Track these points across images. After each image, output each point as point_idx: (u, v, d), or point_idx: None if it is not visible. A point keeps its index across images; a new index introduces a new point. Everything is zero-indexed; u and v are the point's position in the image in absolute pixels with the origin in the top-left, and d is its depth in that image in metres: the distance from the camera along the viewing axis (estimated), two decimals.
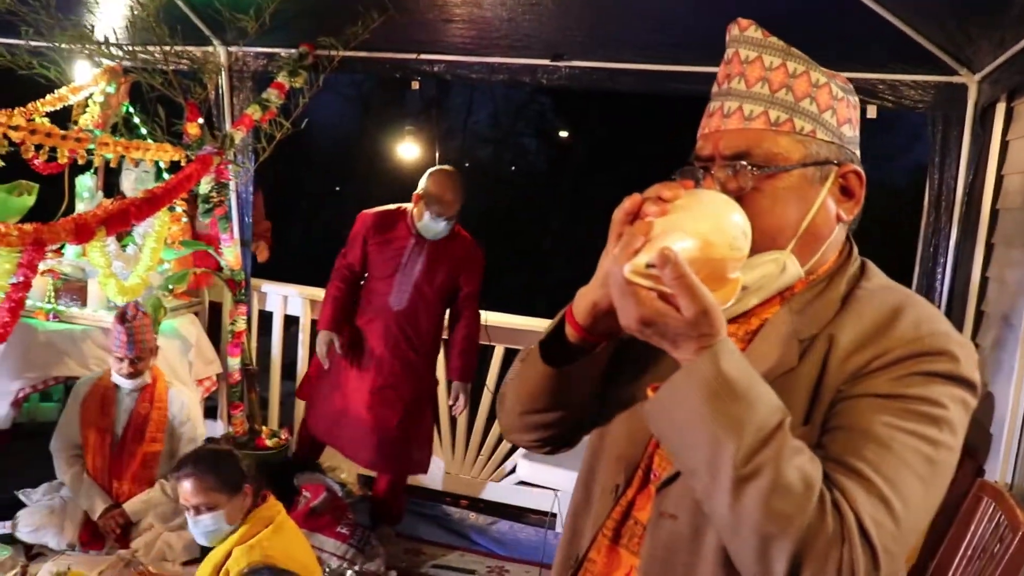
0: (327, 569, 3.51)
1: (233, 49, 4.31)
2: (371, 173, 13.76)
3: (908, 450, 0.98)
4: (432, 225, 3.67)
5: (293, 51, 4.17)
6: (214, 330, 4.75)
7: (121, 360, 3.57)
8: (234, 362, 4.51)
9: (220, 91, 4.39)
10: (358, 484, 4.53)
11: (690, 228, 0.98)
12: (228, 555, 2.74)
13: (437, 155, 4.75)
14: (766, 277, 1.11)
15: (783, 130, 1.11)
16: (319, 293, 4.68)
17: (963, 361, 1.03)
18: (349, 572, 3.54)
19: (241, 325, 4.48)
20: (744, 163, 1.11)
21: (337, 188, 15.96)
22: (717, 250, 0.99)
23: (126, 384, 3.64)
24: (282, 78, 4.11)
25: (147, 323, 3.62)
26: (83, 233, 2.78)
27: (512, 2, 3.49)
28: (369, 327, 3.85)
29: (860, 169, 1.16)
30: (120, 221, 2.95)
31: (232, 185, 4.35)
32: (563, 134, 17.37)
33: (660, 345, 1.01)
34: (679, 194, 1.02)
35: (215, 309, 4.84)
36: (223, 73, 4.35)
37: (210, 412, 4.87)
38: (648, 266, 0.96)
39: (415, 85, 4.27)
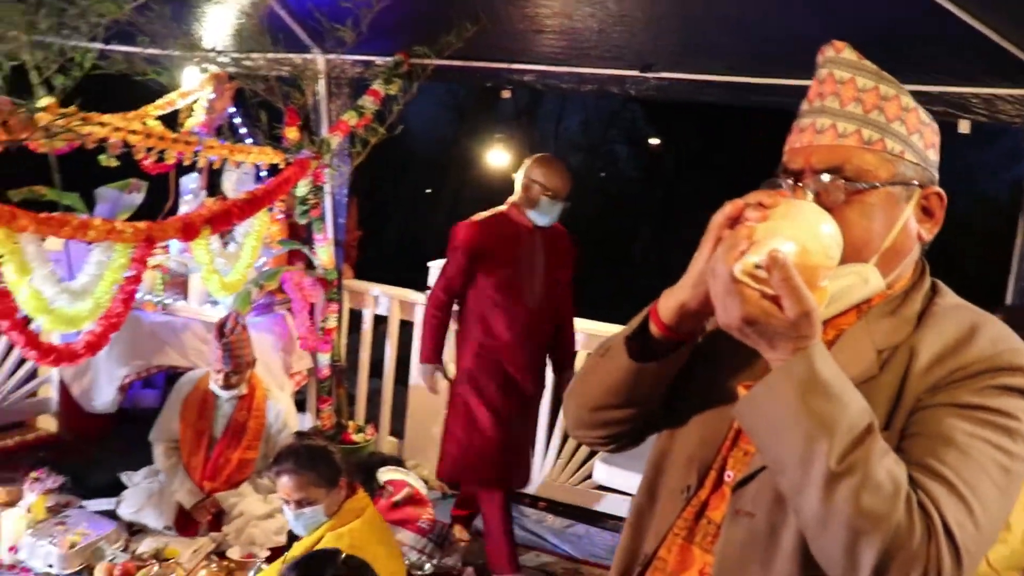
0: (407, 561, 3.62)
1: (331, 56, 4.47)
2: (464, 178, 13.99)
3: (986, 458, 1.02)
4: (550, 209, 3.59)
5: (389, 59, 4.31)
6: None
7: (218, 372, 3.73)
8: (324, 358, 4.68)
9: (318, 97, 4.56)
10: (439, 481, 4.66)
11: (790, 234, 1.03)
12: (318, 541, 2.84)
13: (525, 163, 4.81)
14: (847, 288, 1.16)
15: (874, 149, 1.15)
16: (408, 294, 4.82)
17: None
18: (427, 565, 3.64)
19: (332, 323, 4.64)
20: (836, 177, 1.15)
21: (428, 191, 16.24)
22: (813, 257, 1.03)
23: (223, 394, 3.80)
24: (377, 85, 4.26)
25: (244, 338, 3.75)
26: (189, 231, 2.95)
27: (602, 14, 3.54)
28: (505, 339, 3.63)
29: (942, 191, 1.20)
30: (223, 220, 3.12)
31: (327, 188, 4.52)
32: (654, 142, 17.33)
33: (755, 345, 1.05)
34: (778, 202, 1.08)
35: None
36: (321, 79, 4.51)
37: (300, 405, 5.06)
38: (756, 267, 1.01)
39: (506, 94, 4.36)
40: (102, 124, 2.91)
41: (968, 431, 1.03)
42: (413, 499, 3.98)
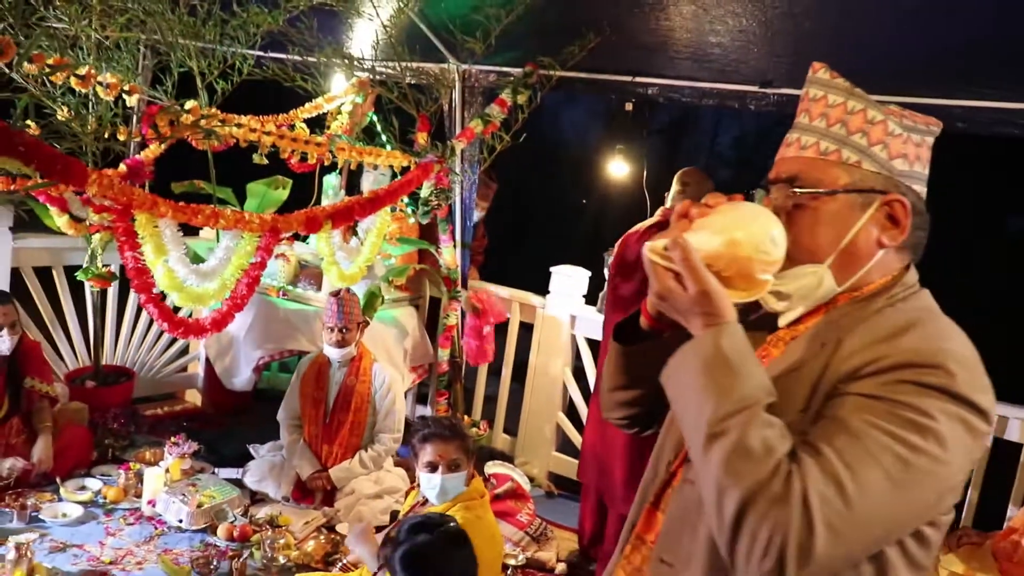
0: None
1: (465, 66, 4.67)
2: (607, 187, 14.02)
3: (880, 447, 1.06)
4: None
5: (519, 70, 4.47)
6: (432, 323, 5.17)
7: (332, 330, 4.07)
8: (444, 353, 4.89)
9: (453, 104, 4.78)
10: (548, 481, 4.78)
11: (720, 227, 1.18)
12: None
13: (645, 174, 4.88)
14: (805, 288, 1.26)
15: (830, 159, 1.26)
16: (529, 297, 4.96)
17: (959, 378, 1.09)
18: (520, 555, 3.77)
19: (453, 320, 4.85)
20: (792, 185, 1.27)
21: (584, 201, 16.28)
22: (743, 249, 1.16)
23: (335, 354, 4.11)
24: (505, 95, 4.42)
25: (355, 300, 4.11)
26: (312, 225, 3.19)
27: (723, 28, 3.58)
28: None
29: (906, 200, 1.24)
30: (345, 216, 3.35)
31: (457, 191, 4.74)
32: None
33: (677, 319, 1.20)
34: (721, 202, 1.23)
35: (435, 304, 5.24)
36: (456, 88, 4.73)
37: (423, 399, 5.30)
38: (665, 249, 1.17)
39: (628, 107, 4.44)
40: (239, 125, 3.21)
41: (868, 420, 1.08)
42: (515, 493, 4.13)
